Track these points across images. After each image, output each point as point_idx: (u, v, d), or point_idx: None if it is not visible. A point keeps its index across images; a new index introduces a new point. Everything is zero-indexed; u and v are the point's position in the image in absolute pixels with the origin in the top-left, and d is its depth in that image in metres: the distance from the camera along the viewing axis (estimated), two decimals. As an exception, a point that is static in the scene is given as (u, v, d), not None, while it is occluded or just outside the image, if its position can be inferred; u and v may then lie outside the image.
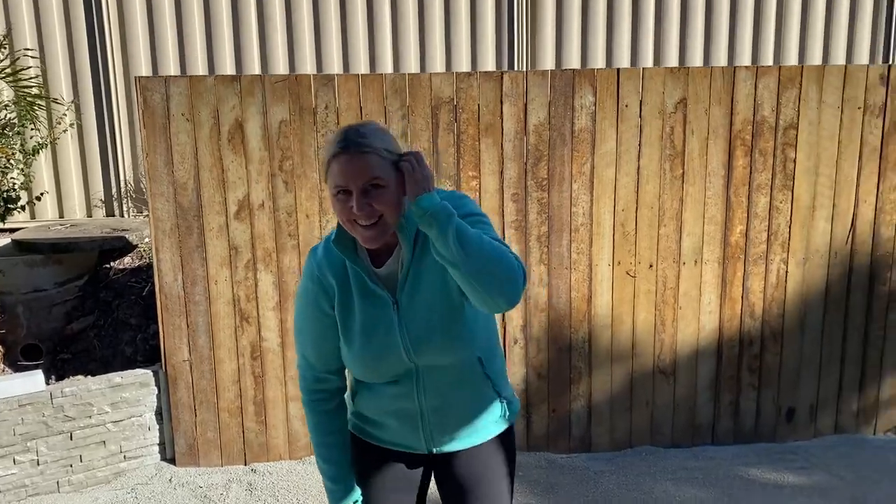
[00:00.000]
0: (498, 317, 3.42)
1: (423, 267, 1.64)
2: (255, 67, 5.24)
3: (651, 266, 3.57)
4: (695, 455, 3.64)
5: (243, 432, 3.60)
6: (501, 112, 3.41)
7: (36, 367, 3.90)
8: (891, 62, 4.97)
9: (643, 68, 3.44)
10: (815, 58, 4.82)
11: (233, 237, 3.45)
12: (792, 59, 4.84)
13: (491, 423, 1.80)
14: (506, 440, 1.86)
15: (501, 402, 1.80)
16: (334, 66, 4.83)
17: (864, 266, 3.64)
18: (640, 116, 3.45)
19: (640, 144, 3.47)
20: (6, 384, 3.29)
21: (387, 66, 4.88)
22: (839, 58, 4.86)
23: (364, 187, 1.52)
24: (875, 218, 3.61)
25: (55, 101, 4.88)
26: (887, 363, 3.73)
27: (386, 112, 3.39)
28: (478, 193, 3.45)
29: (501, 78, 3.39)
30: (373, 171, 1.52)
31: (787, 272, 3.62)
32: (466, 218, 1.56)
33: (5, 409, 3.23)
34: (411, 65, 4.78)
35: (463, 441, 1.79)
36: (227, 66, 5.19)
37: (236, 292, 3.49)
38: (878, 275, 3.65)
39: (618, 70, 3.43)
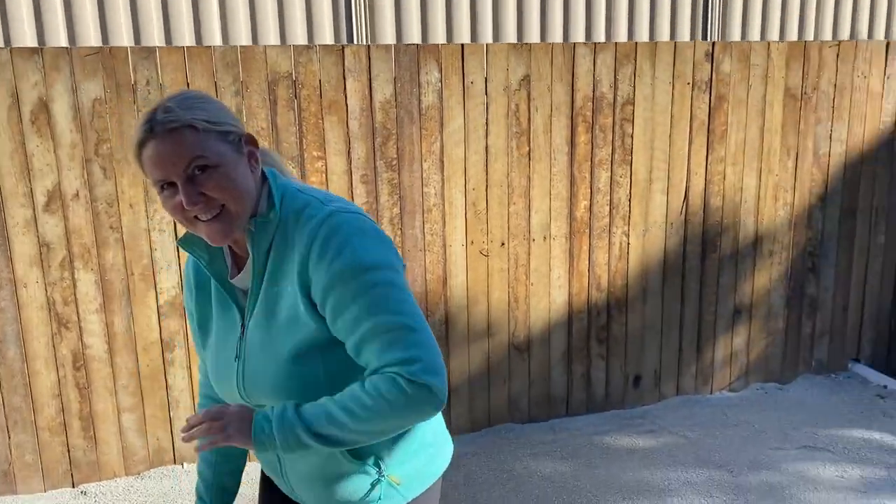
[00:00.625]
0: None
1: (277, 292, 1.30)
2: (60, 39, 4.66)
3: (503, 244, 3.55)
4: (552, 428, 3.69)
5: (69, 451, 3.20)
6: (345, 88, 3.22)
7: None
8: (711, 38, 5.28)
9: (487, 44, 3.38)
10: (643, 34, 5.02)
11: (43, 232, 3.02)
12: (622, 35, 5.00)
13: (353, 501, 1.39)
14: None
15: (377, 483, 1.38)
16: (153, 38, 4.40)
17: (698, 235, 3.83)
18: (486, 93, 3.40)
19: (487, 122, 3.42)
20: None
21: (214, 39, 4.52)
22: (664, 34, 5.10)
23: (188, 173, 1.22)
24: (705, 189, 3.80)
25: None
26: (720, 326, 3.97)
27: (217, 88, 3.10)
28: (324, 175, 3.25)
29: (343, 52, 3.20)
30: (192, 150, 1.21)
31: (628, 244, 3.74)
32: (328, 292, 1.23)
33: None
34: (241, 37, 4.45)
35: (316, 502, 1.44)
36: (27, 38, 4.58)
37: (51, 295, 3.07)
38: (710, 242, 3.85)
39: (462, 46, 3.35)
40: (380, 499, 1.38)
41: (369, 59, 3.23)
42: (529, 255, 3.59)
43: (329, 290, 1.23)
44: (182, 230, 3.11)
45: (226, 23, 4.42)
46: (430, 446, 1.45)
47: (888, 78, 3.92)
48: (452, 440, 1.57)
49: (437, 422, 1.49)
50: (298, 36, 4.48)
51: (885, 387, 3.97)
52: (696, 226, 3.82)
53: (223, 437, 1.26)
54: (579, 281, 3.70)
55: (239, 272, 1.38)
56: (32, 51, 2.92)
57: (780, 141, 3.84)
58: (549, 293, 3.67)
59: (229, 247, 1.39)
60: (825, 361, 4.18)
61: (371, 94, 3.26)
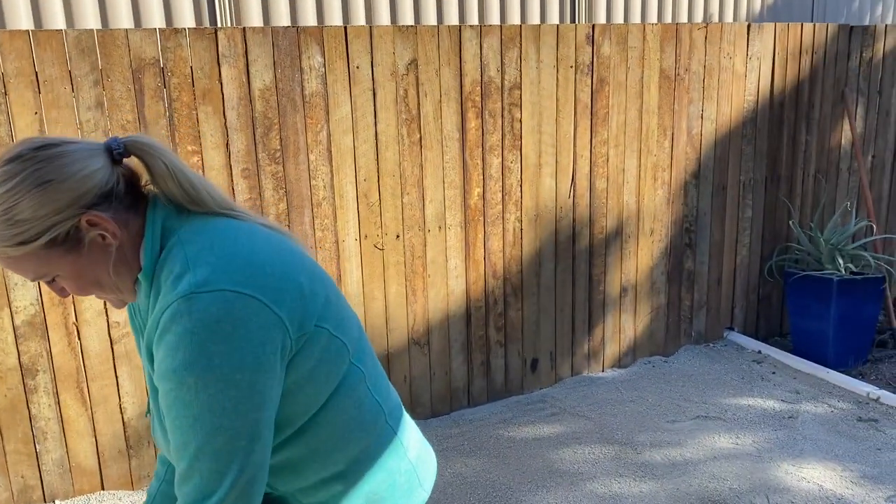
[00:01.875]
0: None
1: (150, 358, 1.12)
2: None
3: (398, 237, 3.41)
4: (455, 421, 3.62)
5: (-88, 504, 2.76)
6: (220, 75, 2.95)
7: None
8: (577, 20, 5.36)
9: (371, 27, 3.21)
10: (535, 16, 5.02)
11: None
12: (515, 17, 4.98)
13: None
14: None
15: None
16: (-17, 21, 3.85)
17: (585, 216, 3.87)
18: (373, 79, 3.23)
19: (375, 109, 3.25)
20: None
21: (57, 23, 4.03)
22: (554, 16, 5.12)
23: (40, 282, 1.12)
24: (591, 171, 3.84)
25: None
26: (608, 304, 4.05)
27: (72, 77, 2.73)
28: (201, 171, 2.97)
29: (216, 35, 2.92)
30: (22, 273, 1.08)
31: (521, 230, 3.71)
32: (157, 380, 1.06)
33: None
34: (89, 20, 3.99)
35: None
36: None
37: None
38: (596, 223, 3.91)
39: (345, 28, 3.16)
40: None
41: (245, 43, 2.98)
42: (425, 246, 3.48)
43: (157, 381, 1.06)
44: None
45: (69, 4, 3.95)
46: (382, 501, 1.24)
47: (749, 59, 4.12)
48: None
49: (396, 469, 1.27)
50: (156, 20, 4.09)
51: (759, 352, 4.21)
52: (583, 208, 3.86)
53: None
54: (476, 269, 3.63)
55: None
56: None
57: (657, 122, 3.95)
58: (446, 284, 3.58)
59: None
60: (703, 332, 4.38)
61: (249, 82, 3.01)
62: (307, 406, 1.14)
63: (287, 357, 1.08)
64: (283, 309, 1.06)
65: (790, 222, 4.41)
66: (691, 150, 4.08)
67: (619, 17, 5.18)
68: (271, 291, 1.05)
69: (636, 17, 5.23)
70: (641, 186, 3.99)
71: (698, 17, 5.35)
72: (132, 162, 1.11)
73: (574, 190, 3.82)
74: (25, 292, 2.80)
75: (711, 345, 4.34)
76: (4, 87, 2.65)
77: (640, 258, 4.08)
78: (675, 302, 4.25)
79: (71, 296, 2.62)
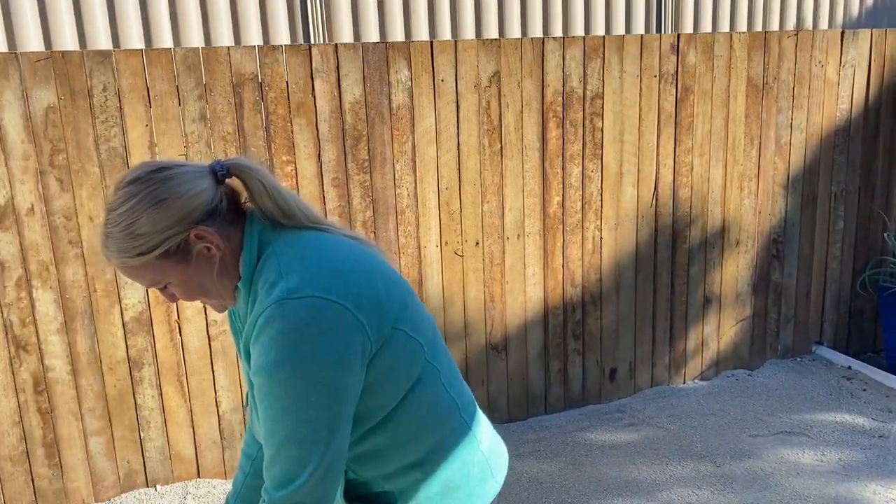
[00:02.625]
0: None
1: (247, 357, 1.26)
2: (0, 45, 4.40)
3: (477, 243, 3.50)
4: (531, 427, 3.66)
5: (33, 480, 3.02)
6: (313, 89, 3.12)
7: None
8: (663, 30, 5.32)
9: (456, 41, 3.32)
10: (620, 27, 5.04)
11: (-4, 251, 2.84)
12: (599, 28, 5.01)
13: None
14: None
15: None
16: (101, 41, 4.19)
17: (668, 226, 3.85)
18: (457, 91, 3.33)
19: (458, 120, 3.36)
20: None
21: (165, 41, 4.33)
22: (639, 27, 5.12)
23: (151, 288, 1.26)
24: (674, 180, 3.82)
25: None
26: (690, 315, 4.01)
27: (179, 92, 2.96)
28: (294, 180, 3.14)
29: (310, 51, 3.09)
30: (139, 281, 1.23)
31: (601, 238, 3.73)
32: (254, 376, 1.18)
33: None
34: (194, 39, 4.27)
35: None
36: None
37: (7, 316, 2.89)
38: (680, 233, 3.88)
39: (431, 43, 3.28)
40: None
41: (337, 58, 3.14)
42: (504, 253, 3.56)
43: (252, 376, 1.18)
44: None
45: (176, 24, 4.24)
46: (457, 489, 1.33)
47: (843, 66, 4.00)
48: None
49: (476, 461, 1.37)
50: (254, 37, 4.34)
51: (850, 367, 4.07)
52: (665, 217, 3.84)
53: None
54: (554, 277, 3.68)
55: None
56: (-23, 57, 2.73)
57: (744, 131, 3.89)
58: (524, 290, 3.64)
59: None
60: (790, 346, 4.27)
61: (340, 95, 3.16)
62: (387, 400, 1.23)
63: (367, 357, 1.18)
64: (363, 314, 1.17)
65: (885, 234, 4.24)
66: (780, 159, 4.00)
67: (706, 26, 5.12)
68: (353, 298, 1.16)
69: (724, 26, 5.15)
70: (727, 196, 3.93)
71: (790, 24, 5.22)
72: (233, 182, 1.25)
73: (656, 199, 3.81)
74: (134, 292, 3.04)
75: (799, 359, 4.22)
76: (120, 101, 2.89)
77: (724, 269, 4.02)
78: (760, 315, 4.16)
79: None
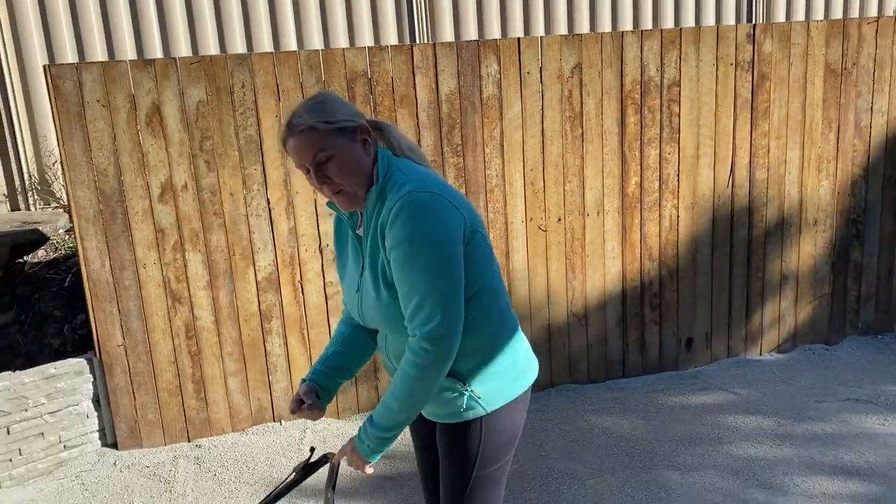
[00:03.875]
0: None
1: (377, 245, 1.68)
2: (156, 51, 5.16)
3: (559, 220, 3.88)
4: (609, 388, 4.01)
5: (184, 410, 3.68)
6: (414, 83, 3.59)
7: (-45, 368, 3.79)
8: (754, 21, 5.46)
9: (541, 37, 3.70)
10: (689, 19, 5.25)
11: (158, 220, 3.49)
12: (668, 21, 5.24)
13: (447, 412, 1.77)
14: (464, 434, 1.77)
15: (462, 395, 1.73)
16: (237, 45, 4.84)
17: (744, 206, 4.08)
18: (541, 82, 3.72)
19: (542, 108, 3.74)
20: (-66, 385, 3.23)
21: (290, 43, 4.94)
22: (709, 18, 5.32)
23: (316, 162, 1.63)
24: (750, 162, 4.04)
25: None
26: (767, 291, 4.22)
27: (302, 87, 3.51)
28: (397, 162, 3.63)
29: (412, 51, 3.56)
30: (314, 147, 1.62)
31: (678, 216, 4.02)
32: (391, 252, 1.61)
33: (-64, 409, 3.18)
34: (315, 40, 4.86)
35: (427, 412, 1.84)
36: (128, 51, 5.09)
37: (166, 274, 3.54)
38: (756, 212, 4.10)
39: (518, 39, 3.68)
40: (464, 408, 1.74)
41: (435, 56, 3.60)
42: (584, 228, 3.91)
43: (390, 251, 1.62)
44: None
45: (300, 27, 4.84)
46: (510, 370, 1.78)
47: (928, 50, 4.08)
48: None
49: (521, 351, 1.82)
50: (366, 36, 4.87)
51: (932, 346, 4.15)
52: (742, 197, 4.07)
53: (355, 465, 1.75)
54: (632, 252, 4.00)
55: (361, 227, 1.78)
56: (146, 62, 3.37)
57: (822, 115, 4.05)
58: (603, 264, 3.98)
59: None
60: (872, 324, 4.38)
61: (437, 88, 3.62)
62: (468, 288, 1.68)
63: (463, 245, 1.64)
64: (463, 211, 1.66)
65: (974, 216, 4.27)
66: (859, 142, 4.13)
67: (780, 16, 5.23)
68: (455, 200, 1.66)
69: (800, 15, 5.24)
70: (804, 177, 4.11)
71: (872, 11, 5.24)
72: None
73: (733, 180, 4.04)
74: (266, 255, 3.62)
75: (880, 337, 4.33)
76: (255, 96, 3.47)
77: (802, 248, 4.20)
78: (840, 293, 4.30)
79: (297, 259, 3.38)
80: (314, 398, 1.91)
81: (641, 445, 3.37)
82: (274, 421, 3.79)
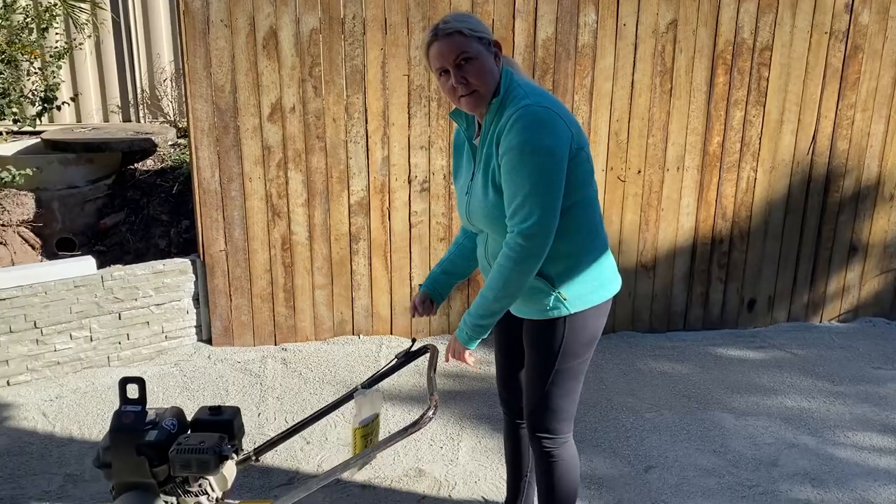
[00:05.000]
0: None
1: (490, 153, 1.91)
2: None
3: (639, 172, 4.02)
4: (669, 339, 4.19)
5: (274, 316, 4.00)
6: (513, 27, 3.75)
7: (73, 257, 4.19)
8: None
9: (640, -9, 3.81)
10: None
11: (266, 138, 3.76)
12: None
13: (535, 309, 2.00)
14: (548, 330, 1.99)
15: (550, 295, 1.95)
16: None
17: (822, 174, 4.16)
18: (636, 35, 3.84)
19: (634, 61, 3.87)
20: (62, 267, 3.60)
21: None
22: None
23: (456, 62, 1.84)
24: (833, 132, 4.11)
25: (98, 6, 4.91)
26: (835, 261, 4.31)
27: (408, 23, 3.70)
28: (490, 102, 3.81)
29: (515, -5, 3.72)
30: (460, 47, 1.84)
31: (755, 179, 4.12)
32: (503, 157, 1.83)
33: (63, 289, 3.55)
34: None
35: (516, 309, 2.07)
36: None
37: (269, 189, 3.83)
38: (833, 182, 4.18)
39: (618, -9, 3.79)
40: (550, 307, 1.98)
41: (536, 1, 3.74)
42: (663, 183, 4.05)
43: (502, 156, 1.84)
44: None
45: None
46: (594, 280, 2.00)
47: None
48: None
49: (607, 266, 2.04)
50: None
51: None
52: (820, 166, 4.15)
53: (458, 355, 2.00)
54: (706, 210, 4.13)
55: (479, 137, 2.01)
56: (267, -12, 3.61)
57: (912, 90, 4.07)
58: (677, 219, 4.12)
59: (475, 119, 2.01)
60: (938, 303, 4.44)
61: (535, 33, 3.78)
62: (567, 197, 1.89)
63: (568, 158, 1.85)
64: (571, 126, 1.87)
65: None
66: (947, 121, 4.14)
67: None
68: (566, 117, 1.87)
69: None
70: (886, 151, 4.16)
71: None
72: None
73: (814, 148, 4.12)
74: (360, 181, 3.88)
75: (944, 316, 4.40)
76: (364, 28, 3.68)
77: (875, 221, 4.26)
78: (908, 269, 4.37)
79: (388, 187, 3.62)
80: (429, 303, 2.25)
81: (698, 389, 3.56)
82: (353, 334, 4.09)
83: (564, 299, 1.96)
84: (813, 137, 4.10)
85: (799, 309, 4.37)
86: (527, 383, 2.13)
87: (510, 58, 2.02)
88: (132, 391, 2.12)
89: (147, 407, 2.12)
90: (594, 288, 2.00)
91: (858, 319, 4.39)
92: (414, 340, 2.28)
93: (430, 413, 1.91)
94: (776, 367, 3.80)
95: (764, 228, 4.20)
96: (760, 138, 4.05)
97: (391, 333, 4.11)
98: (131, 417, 2.10)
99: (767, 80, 3.97)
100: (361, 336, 4.09)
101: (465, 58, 1.85)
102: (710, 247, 4.19)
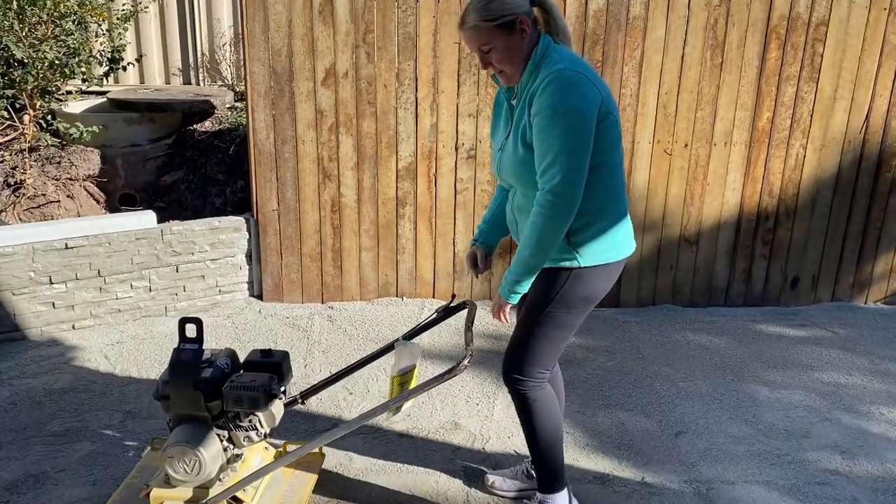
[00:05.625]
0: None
1: (523, 113, 2.02)
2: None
3: (686, 145, 4.03)
4: (709, 313, 4.21)
5: (322, 275, 4.15)
6: (565, -3, 3.78)
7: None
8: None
9: (695, -37, 3.79)
10: None
11: (319, 102, 3.88)
12: None
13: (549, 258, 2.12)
14: (553, 276, 2.10)
15: (565, 246, 2.06)
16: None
17: (874, 154, 4.10)
18: (689, 8, 3.83)
19: (686, 33, 3.86)
20: (124, 220, 3.81)
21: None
22: None
23: (480, 52, 2.00)
24: (888, 111, 4.04)
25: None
26: (883, 242, 4.26)
27: (461, -7, 3.76)
28: (539, 72, 3.86)
29: (567, -35, 3.74)
30: (475, 43, 1.99)
31: (804, 157, 4.09)
32: (535, 117, 1.93)
33: (125, 240, 3.75)
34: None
35: None
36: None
37: (320, 152, 3.96)
38: (885, 162, 4.12)
39: (672, -37, 3.78)
40: (561, 258, 2.09)
41: (588, -28, 3.76)
42: (709, 157, 4.05)
43: (534, 116, 1.94)
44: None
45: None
46: (608, 240, 2.09)
47: None
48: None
49: (623, 230, 2.12)
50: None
51: None
52: (873, 146, 4.09)
53: (503, 311, 2.12)
54: (753, 186, 4.12)
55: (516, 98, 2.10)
56: (324, -45, 3.70)
57: (974, 70, 3.98)
58: (723, 194, 4.13)
59: None
60: None
61: (587, 3, 3.80)
62: (592, 158, 1.97)
63: (596, 120, 1.93)
64: (602, 91, 1.95)
65: None
66: None
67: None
68: (597, 82, 1.97)
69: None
70: (943, 133, 4.08)
71: None
72: (538, 12, 2.03)
73: (867, 127, 4.06)
74: (408, 146, 3.98)
75: None
76: (417, -3, 3.76)
77: (927, 203, 4.19)
78: (960, 253, 4.29)
79: (435, 153, 3.73)
80: (485, 258, 2.39)
81: (734, 362, 3.59)
82: (397, 296, 4.22)
83: (576, 252, 2.07)
84: (867, 116, 4.04)
85: (843, 289, 4.34)
86: (517, 324, 2.24)
87: (555, 8, 2.04)
88: (190, 331, 2.28)
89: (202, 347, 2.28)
90: (607, 247, 2.10)
91: (905, 302, 4.34)
92: (454, 296, 2.38)
93: (466, 362, 2.01)
94: (815, 344, 3.81)
95: (811, 207, 4.17)
96: (812, 115, 4.02)
97: (433, 297, 4.23)
98: (189, 354, 2.26)
99: (822, 56, 3.93)
100: (405, 298, 4.21)
101: (486, 48, 1.99)
102: (755, 223, 4.19)
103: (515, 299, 2.09)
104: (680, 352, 3.70)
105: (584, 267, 2.08)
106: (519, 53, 1.99)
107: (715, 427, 3.03)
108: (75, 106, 4.79)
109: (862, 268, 4.30)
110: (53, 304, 3.66)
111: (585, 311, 2.17)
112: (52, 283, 3.63)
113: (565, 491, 2.38)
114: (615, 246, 2.11)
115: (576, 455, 2.81)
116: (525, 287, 2.08)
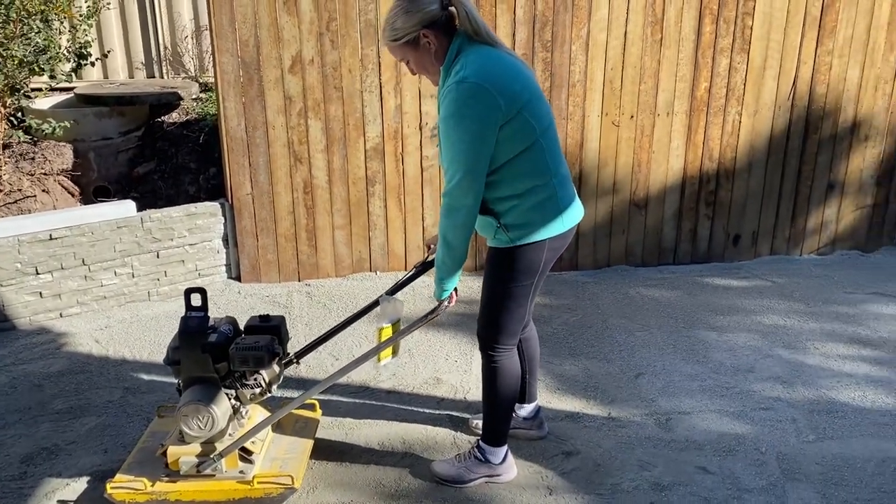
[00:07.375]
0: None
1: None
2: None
3: (632, 117, 4.35)
4: (660, 271, 4.56)
5: (297, 254, 4.35)
6: (515, -18, 4.04)
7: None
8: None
9: (632, -54, 4.08)
10: None
11: (287, 89, 4.07)
12: None
13: (490, 238, 2.35)
14: (496, 256, 2.34)
15: (497, 228, 2.27)
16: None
17: (802, 117, 4.48)
18: (629, -12, 4.13)
19: (627, 12, 4.16)
20: (105, 209, 3.95)
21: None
22: None
23: (401, 63, 2.31)
24: (812, 77, 4.42)
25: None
26: (814, 198, 4.66)
27: (417, -20, 3.98)
28: (494, 53, 4.12)
29: (516, -48, 3.99)
30: (394, 55, 2.25)
31: (740, 123, 4.45)
32: (439, 123, 2.16)
33: (107, 230, 3.89)
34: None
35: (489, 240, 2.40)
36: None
37: (291, 136, 4.15)
38: (812, 124, 4.50)
39: (612, -53, 4.07)
40: (495, 237, 2.32)
41: (535, -42, 4.02)
42: (654, 127, 4.38)
43: (439, 122, 2.17)
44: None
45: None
46: (539, 219, 2.26)
47: None
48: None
49: (549, 210, 2.26)
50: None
51: (960, 258, 4.57)
52: (800, 109, 4.47)
53: (444, 304, 2.32)
54: (694, 152, 4.46)
55: None
56: (286, -52, 3.88)
57: (885, 37, 4.38)
58: (667, 161, 4.46)
59: None
60: (908, 237, 4.80)
61: (535, -12, 4.06)
62: (506, 154, 2.19)
63: (500, 124, 2.12)
64: (502, 98, 2.10)
65: None
66: (919, 66, 4.45)
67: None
68: (499, 87, 2.09)
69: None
70: (861, 96, 4.48)
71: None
72: (451, 9, 2.19)
73: (794, 93, 4.44)
74: (375, 128, 4.20)
75: (913, 249, 4.76)
76: (376, -15, 3.97)
77: (851, 161, 4.60)
78: (881, 205, 4.72)
79: (400, 133, 3.95)
80: None
81: (684, 311, 3.94)
82: (371, 271, 4.45)
83: (508, 233, 2.27)
84: (793, 83, 4.41)
85: (781, 243, 4.73)
86: (480, 302, 2.47)
87: (470, 12, 2.14)
88: (196, 300, 2.48)
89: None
90: (537, 226, 2.27)
91: (836, 252, 4.75)
92: (429, 248, 2.63)
93: (447, 303, 2.28)
94: (757, 293, 4.18)
95: (748, 169, 4.54)
96: (745, 84, 4.37)
97: (406, 269, 4.47)
98: (196, 322, 2.47)
99: (751, 28, 4.27)
100: (378, 272, 4.45)
101: (402, 61, 2.26)
102: (698, 186, 4.53)
103: (447, 294, 2.31)
104: (635, 306, 4.02)
105: (519, 245, 2.28)
106: (430, 62, 2.21)
107: (670, 368, 3.36)
108: (42, 102, 4.86)
109: (796, 223, 4.70)
110: (41, 293, 3.80)
111: (532, 280, 2.34)
112: (38, 273, 3.76)
113: (506, 447, 2.58)
114: (546, 224, 2.27)
115: (549, 398, 3.10)
116: (453, 283, 2.29)
